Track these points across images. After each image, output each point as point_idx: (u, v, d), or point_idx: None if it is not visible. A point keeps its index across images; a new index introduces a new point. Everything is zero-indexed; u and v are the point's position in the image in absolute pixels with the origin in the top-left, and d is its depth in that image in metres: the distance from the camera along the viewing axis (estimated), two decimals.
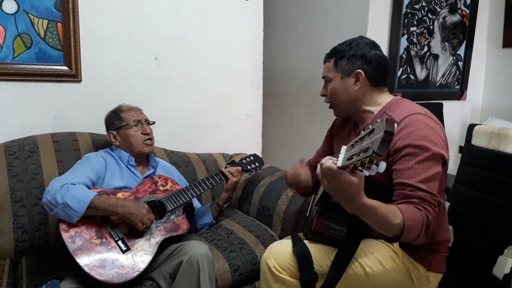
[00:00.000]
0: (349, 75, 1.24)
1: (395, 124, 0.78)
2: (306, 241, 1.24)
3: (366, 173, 0.81)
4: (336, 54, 1.26)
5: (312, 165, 1.54)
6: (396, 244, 1.22)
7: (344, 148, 0.92)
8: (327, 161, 0.92)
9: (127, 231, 1.40)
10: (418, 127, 1.11)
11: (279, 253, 1.21)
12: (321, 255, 1.20)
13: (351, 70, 1.23)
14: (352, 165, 0.83)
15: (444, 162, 1.13)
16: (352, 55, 1.23)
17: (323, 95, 1.33)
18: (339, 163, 0.89)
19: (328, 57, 1.30)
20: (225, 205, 1.77)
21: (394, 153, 1.12)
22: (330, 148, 1.50)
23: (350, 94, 1.25)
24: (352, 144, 0.88)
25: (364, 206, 0.96)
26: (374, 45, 1.26)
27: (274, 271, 1.18)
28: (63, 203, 1.30)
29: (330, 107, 1.34)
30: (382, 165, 0.79)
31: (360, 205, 0.96)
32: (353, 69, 1.23)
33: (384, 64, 1.26)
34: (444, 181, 1.22)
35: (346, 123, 1.41)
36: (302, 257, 1.18)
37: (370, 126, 0.85)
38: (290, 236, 1.28)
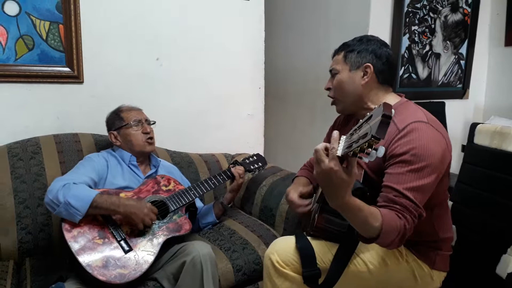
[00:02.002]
0: (357, 68, 1.24)
1: (393, 110, 0.78)
2: (309, 238, 1.24)
3: (366, 159, 0.81)
4: (347, 48, 1.27)
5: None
6: None
7: (343, 137, 0.92)
8: (321, 145, 0.92)
9: (130, 231, 1.40)
10: (419, 136, 1.09)
11: (282, 248, 1.21)
12: (324, 251, 1.20)
13: (360, 63, 1.24)
14: (352, 152, 0.82)
15: (440, 173, 1.12)
16: (362, 49, 1.24)
17: (327, 89, 1.32)
18: (339, 152, 0.88)
19: (338, 51, 1.31)
20: (228, 205, 1.77)
21: (390, 159, 1.12)
22: None
23: (356, 88, 1.25)
24: (351, 133, 0.88)
25: (349, 205, 0.97)
26: (384, 44, 1.28)
27: (277, 266, 1.19)
28: (65, 202, 1.30)
29: (332, 103, 1.34)
30: (381, 150, 0.79)
31: (345, 203, 0.96)
32: (362, 63, 1.23)
33: (392, 62, 1.26)
34: (447, 182, 1.22)
35: (348, 121, 1.41)
36: (305, 252, 1.18)
37: (368, 113, 0.84)
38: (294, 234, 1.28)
